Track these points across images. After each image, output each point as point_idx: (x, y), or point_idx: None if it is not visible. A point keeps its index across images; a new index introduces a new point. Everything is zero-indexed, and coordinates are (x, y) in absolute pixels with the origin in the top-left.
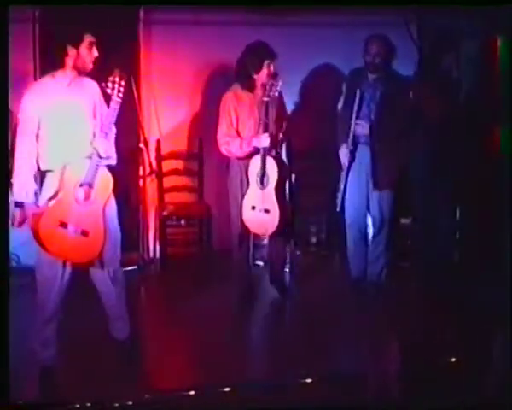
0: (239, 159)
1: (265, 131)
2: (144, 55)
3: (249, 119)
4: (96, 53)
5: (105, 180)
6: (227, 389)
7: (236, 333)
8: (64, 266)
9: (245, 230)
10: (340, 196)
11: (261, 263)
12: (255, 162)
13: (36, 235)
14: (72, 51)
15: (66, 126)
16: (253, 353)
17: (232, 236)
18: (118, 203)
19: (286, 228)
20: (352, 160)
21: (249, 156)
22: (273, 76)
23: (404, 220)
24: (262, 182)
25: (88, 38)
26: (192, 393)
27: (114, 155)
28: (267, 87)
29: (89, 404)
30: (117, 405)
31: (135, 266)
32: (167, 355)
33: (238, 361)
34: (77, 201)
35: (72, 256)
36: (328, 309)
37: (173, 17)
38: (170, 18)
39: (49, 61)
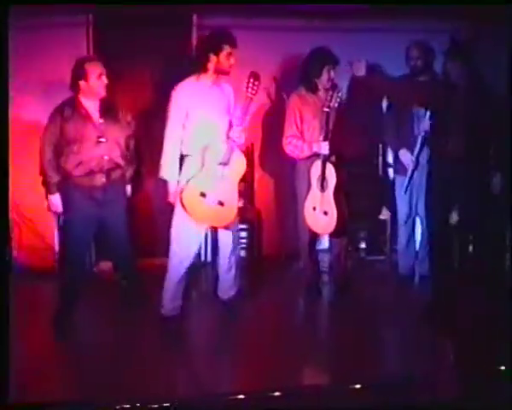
0: (304, 160)
1: (326, 139)
2: None
3: (313, 120)
4: (232, 61)
5: (239, 161)
6: (276, 394)
7: (297, 337)
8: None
9: (310, 230)
10: (407, 197)
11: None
12: (316, 166)
13: (181, 204)
14: (213, 58)
15: (207, 118)
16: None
17: (297, 237)
18: None
19: (342, 231)
20: (417, 163)
21: (310, 158)
22: (333, 86)
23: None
24: (322, 185)
25: (227, 49)
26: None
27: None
28: (328, 97)
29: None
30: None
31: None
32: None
33: (293, 365)
34: (216, 176)
35: (210, 221)
36: (380, 311)
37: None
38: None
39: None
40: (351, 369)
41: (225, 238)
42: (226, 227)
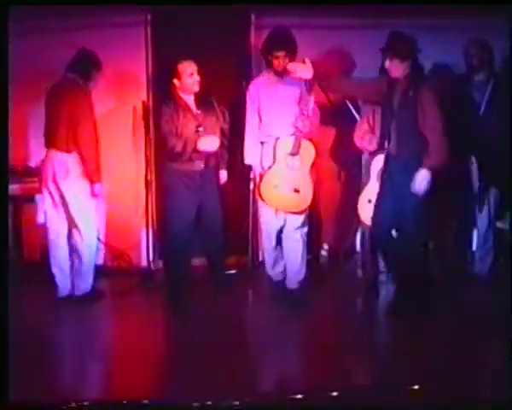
0: (371, 154)
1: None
2: None
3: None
4: (286, 62)
5: (308, 149)
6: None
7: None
8: (276, 213)
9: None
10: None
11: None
12: (379, 159)
13: (258, 192)
14: (271, 59)
15: (276, 111)
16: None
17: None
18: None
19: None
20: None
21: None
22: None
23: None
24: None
25: (282, 53)
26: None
27: (312, 132)
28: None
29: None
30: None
31: (233, 271)
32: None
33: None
34: (288, 166)
35: (287, 208)
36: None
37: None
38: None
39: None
40: (407, 368)
41: (297, 223)
42: (301, 212)
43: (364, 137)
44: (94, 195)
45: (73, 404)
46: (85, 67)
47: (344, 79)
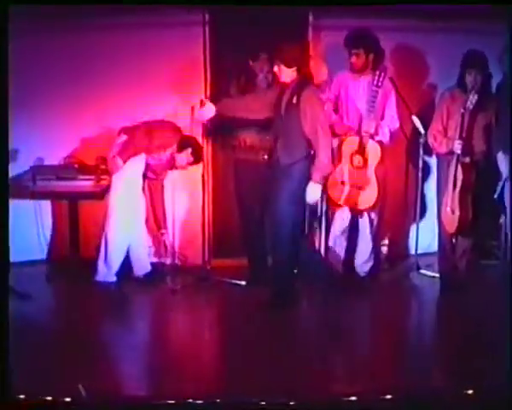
0: (443, 156)
1: (460, 138)
2: None
3: (457, 119)
4: (361, 60)
5: (373, 149)
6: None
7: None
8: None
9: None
10: None
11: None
12: (453, 164)
13: (325, 189)
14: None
15: (351, 106)
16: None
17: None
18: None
19: (465, 232)
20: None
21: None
22: (472, 88)
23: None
24: (454, 184)
25: (357, 51)
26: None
27: (383, 131)
28: (466, 99)
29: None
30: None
31: None
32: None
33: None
34: (353, 165)
35: (351, 204)
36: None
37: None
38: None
39: None
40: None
41: (365, 219)
42: (366, 210)
43: (437, 137)
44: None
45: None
46: None
47: (234, 99)
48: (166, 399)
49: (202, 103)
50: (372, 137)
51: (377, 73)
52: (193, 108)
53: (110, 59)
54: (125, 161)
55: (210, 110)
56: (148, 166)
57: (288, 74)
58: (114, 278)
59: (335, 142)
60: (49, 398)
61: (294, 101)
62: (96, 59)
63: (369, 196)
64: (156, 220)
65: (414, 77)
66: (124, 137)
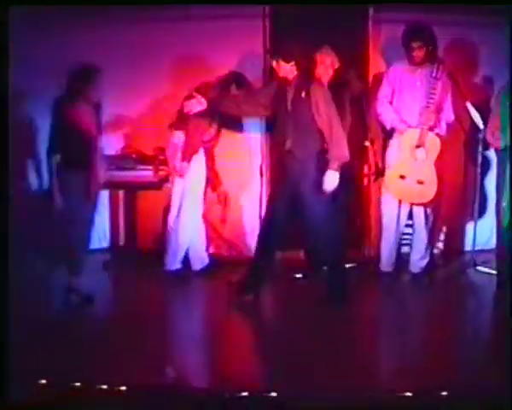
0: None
1: None
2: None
3: None
4: (421, 54)
5: (433, 142)
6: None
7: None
8: (399, 204)
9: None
10: None
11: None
12: None
13: (383, 182)
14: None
15: (409, 98)
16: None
17: None
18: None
19: None
20: None
21: None
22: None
23: None
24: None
25: (416, 44)
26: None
27: (440, 124)
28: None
29: None
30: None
31: (355, 264)
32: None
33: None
34: (414, 158)
35: (412, 199)
36: None
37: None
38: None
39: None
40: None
41: (421, 214)
42: (425, 205)
43: (495, 133)
44: None
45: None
46: None
47: (233, 95)
48: (222, 391)
49: (193, 97)
50: (431, 129)
51: (435, 65)
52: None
53: (165, 48)
54: (189, 161)
55: (198, 104)
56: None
57: (286, 70)
58: (179, 266)
59: (396, 136)
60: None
61: (303, 95)
62: (150, 47)
63: (428, 191)
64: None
65: (469, 71)
66: (180, 137)
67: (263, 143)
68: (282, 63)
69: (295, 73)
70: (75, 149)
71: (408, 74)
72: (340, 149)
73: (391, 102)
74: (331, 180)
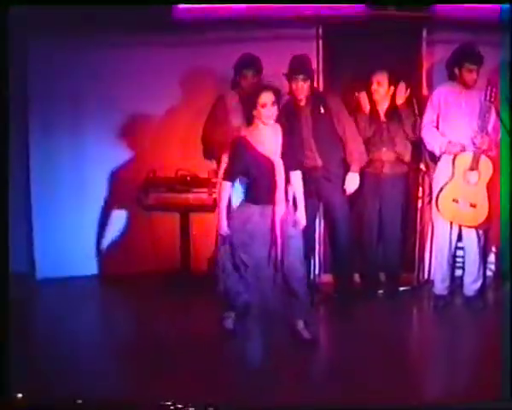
0: None
1: None
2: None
3: None
4: (475, 76)
5: (486, 165)
6: None
7: None
8: (451, 227)
9: None
10: None
11: None
12: None
13: (436, 205)
14: (456, 71)
15: (456, 123)
16: None
17: None
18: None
19: None
20: None
21: None
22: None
23: None
24: None
25: (468, 66)
26: None
27: (491, 146)
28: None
29: None
30: None
31: (409, 287)
32: None
33: None
34: (467, 182)
35: (464, 222)
36: None
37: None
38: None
39: None
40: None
41: (473, 236)
42: (477, 227)
43: None
44: None
45: None
46: None
47: None
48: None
49: None
50: (484, 152)
51: (489, 87)
52: None
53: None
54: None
55: None
56: None
57: (303, 89)
58: None
59: (445, 159)
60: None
61: (322, 111)
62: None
63: (480, 214)
64: None
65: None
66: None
67: None
68: (301, 83)
69: (308, 92)
70: None
71: (454, 96)
72: (359, 151)
73: (437, 127)
74: (353, 182)
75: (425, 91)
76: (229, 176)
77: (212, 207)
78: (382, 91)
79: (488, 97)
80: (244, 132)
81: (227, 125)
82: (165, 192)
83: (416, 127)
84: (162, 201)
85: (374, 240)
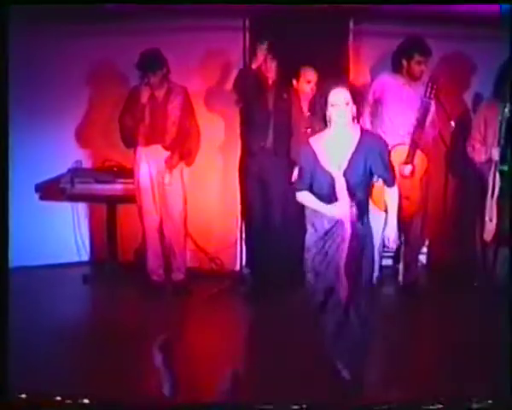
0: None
1: (498, 145)
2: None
3: (495, 128)
4: (423, 68)
5: (421, 159)
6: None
7: None
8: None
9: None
10: None
11: None
12: (491, 172)
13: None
14: (404, 63)
15: (395, 114)
16: None
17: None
18: None
19: (506, 240)
20: None
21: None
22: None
23: None
24: (492, 192)
25: (417, 58)
26: None
27: (427, 139)
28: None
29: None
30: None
31: None
32: None
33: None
34: (401, 175)
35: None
36: None
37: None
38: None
39: None
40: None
41: (408, 227)
42: (410, 219)
43: (475, 146)
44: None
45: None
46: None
47: None
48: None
49: None
50: (420, 147)
51: (429, 84)
52: None
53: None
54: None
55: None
56: None
57: (266, 69)
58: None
59: None
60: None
61: (285, 96)
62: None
63: (413, 206)
64: None
65: (454, 85)
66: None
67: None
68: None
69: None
70: None
71: (396, 88)
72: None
73: (372, 114)
74: None
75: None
76: None
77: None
78: (309, 85)
79: (428, 94)
80: None
81: (140, 116)
82: (91, 183)
83: None
84: (89, 191)
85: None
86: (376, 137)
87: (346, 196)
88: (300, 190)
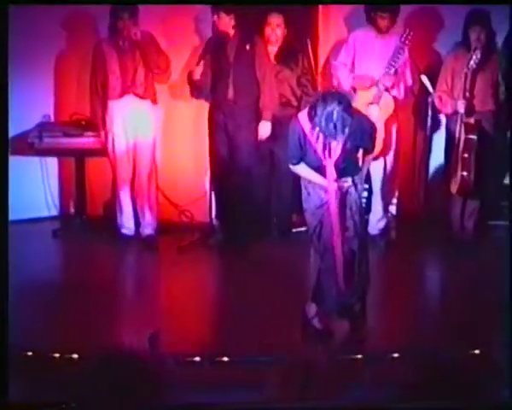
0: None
1: (463, 97)
2: None
3: (461, 79)
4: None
5: (388, 102)
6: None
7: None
8: None
9: None
10: None
11: None
12: (458, 124)
13: None
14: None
15: (372, 63)
16: None
17: None
18: None
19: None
20: None
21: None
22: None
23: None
24: (458, 144)
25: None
26: None
27: (399, 87)
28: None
29: None
30: None
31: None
32: None
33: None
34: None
35: None
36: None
37: None
38: None
39: None
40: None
41: (379, 177)
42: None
43: (442, 97)
44: None
45: None
46: None
47: None
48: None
49: None
50: (388, 90)
51: (406, 30)
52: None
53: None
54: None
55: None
56: None
57: (226, 23)
58: (129, 232)
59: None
60: None
61: (248, 48)
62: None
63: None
64: None
65: (423, 36)
66: None
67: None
68: (223, 15)
69: (235, 27)
70: None
71: (369, 39)
72: (273, 99)
73: (352, 69)
74: (265, 130)
75: (321, 35)
76: None
77: (107, 151)
78: (276, 33)
79: (403, 39)
80: None
81: (107, 71)
82: (59, 137)
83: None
84: (57, 146)
85: (267, 183)
86: (364, 117)
87: (333, 171)
88: (294, 164)
